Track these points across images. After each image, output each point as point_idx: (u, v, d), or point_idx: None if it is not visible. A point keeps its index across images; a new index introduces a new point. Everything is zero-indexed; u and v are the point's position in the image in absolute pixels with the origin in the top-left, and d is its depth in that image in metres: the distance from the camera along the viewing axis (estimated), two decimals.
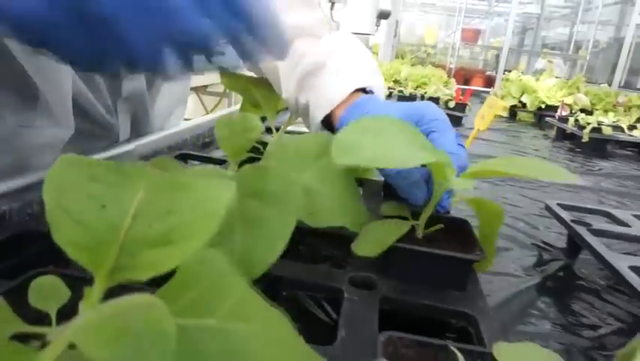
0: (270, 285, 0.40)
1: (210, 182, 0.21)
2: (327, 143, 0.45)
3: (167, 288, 0.22)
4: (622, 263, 0.50)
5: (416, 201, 0.44)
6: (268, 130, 0.68)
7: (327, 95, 0.53)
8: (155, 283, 0.23)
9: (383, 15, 1.64)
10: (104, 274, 0.18)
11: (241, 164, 0.47)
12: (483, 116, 0.56)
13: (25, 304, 0.25)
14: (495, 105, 0.53)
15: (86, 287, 0.17)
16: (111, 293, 0.19)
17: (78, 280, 0.26)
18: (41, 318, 0.24)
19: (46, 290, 0.25)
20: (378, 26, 1.68)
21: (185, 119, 0.98)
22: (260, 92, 0.65)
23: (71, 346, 0.18)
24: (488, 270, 0.58)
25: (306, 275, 0.41)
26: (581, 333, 0.47)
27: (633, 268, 0.49)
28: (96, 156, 0.62)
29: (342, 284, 0.39)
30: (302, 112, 0.59)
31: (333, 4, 1.54)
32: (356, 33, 1.60)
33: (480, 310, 0.38)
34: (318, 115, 0.54)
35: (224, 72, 0.66)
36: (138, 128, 0.76)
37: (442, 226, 0.42)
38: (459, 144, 0.46)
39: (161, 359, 0.15)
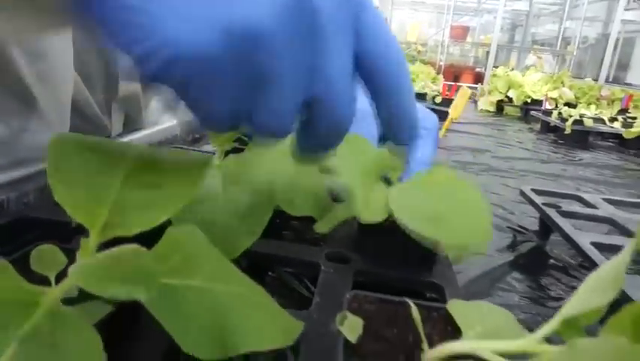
0: (254, 262, 0.43)
1: (190, 154, 0.24)
2: None
3: (153, 253, 0.25)
4: (584, 240, 0.53)
5: None
6: None
7: None
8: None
9: None
10: (97, 230, 0.21)
11: (228, 153, 0.50)
12: (456, 106, 0.60)
13: (24, 274, 0.28)
14: (465, 95, 0.57)
15: (82, 238, 0.20)
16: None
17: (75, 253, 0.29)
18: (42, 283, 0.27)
19: (46, 257, 0.28)
20: None
21: None
22: None
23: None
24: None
25: (287, 253, 0.44)
26: (546, 304, 0.51)
27: (594, 244, 0.52)
28: None
29: (320, 259, 0.42)
30: None
31: None
32: None
33: (447, 280, 0.41)
34: None
35: None
36: (131, 126, 0.78)
37: None
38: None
39: (146, 294, 0.18)
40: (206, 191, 0.35)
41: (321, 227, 0.43)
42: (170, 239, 0.27)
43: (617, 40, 4.84)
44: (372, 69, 0.24)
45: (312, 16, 0.20)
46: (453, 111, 0.59)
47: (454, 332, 0.29)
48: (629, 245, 0.24)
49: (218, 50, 0.19)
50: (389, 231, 0.43)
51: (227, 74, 0.20)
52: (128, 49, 0.19)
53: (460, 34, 6.95)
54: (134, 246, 0.20)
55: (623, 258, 0.24)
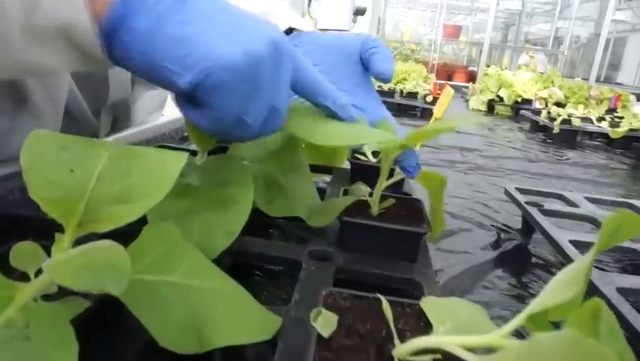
0: (238, 260, 0.44)
1: (164, 152, 0.25)
2: (291, 138, 0.49)
3: (130, 250, 0.26)
4: (563, 237, 0.54)
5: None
6: None
7: None
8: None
9: (359, 12, 1.68)
10: (73, 226, 0.21)
11: (212, 152, 0.51)
12: (440, 105, 0.61)
13: (8, 271, 0.28)
14: (449, 94, 0.58)
15: (57, 234, 0.21)
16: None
17: None
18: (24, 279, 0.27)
19: (25, 254, 0.28)
20: (355, 22, 1.72)
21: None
22: None
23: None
24: (447, 248, 0.62)
25: (271, 251, 0.44)
26: (526, 301, 0.52)
27: (572, 242, 0.53)
28: None
29: (302, 257, 0.43)
30: None
31: (310, 0, 1.58)
32: (332, 29, 1.64)
33: (425, 277, 0.42)
34: None
35: None
36: (119, 126, 0.79)
37: (392, 201, 0.46)
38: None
39: (115, 285, 0.19)
40: (186, 187, 0.36)
41: (315, 221, 0.44)
42: (147, 236, 0.27)
43: (609, 40, 4.87)
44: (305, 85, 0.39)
45: (279, 54, 0.33)
46: (437, 111, 0.60)
47: (426, 327, 0.29)
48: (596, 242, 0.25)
49: (239, 63, 0.30)
50: (369, 228, 0.44)
51: (241, 82, 0.30)
52: (170, 68, 0.29)
53: (453, 33, 6.98)
54: (107, 241, 0.20)
55: (589, 255, 0.25)
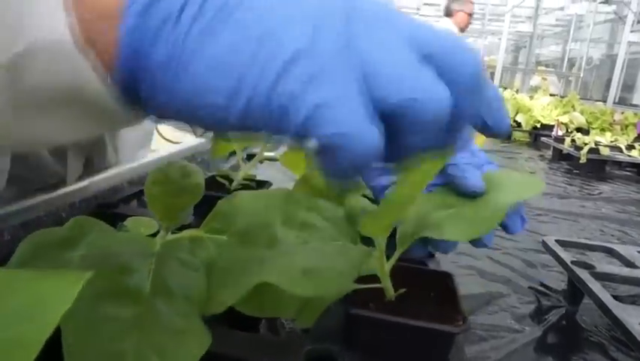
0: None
1: (40, 282, 0.14)
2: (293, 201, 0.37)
3: None
4: (633, 319, 0.43)
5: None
6: (249, 157, 0.62)
7: None
8: None
9: None
10: None
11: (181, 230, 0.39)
12: None
13: None
14: (480, 137, 0.47)
15: None
16: None
17: None
18: None
19: None
20: None
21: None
22: None
23: None
24: (478, 322, 0.51)
25: (254, 351, 0.33)
26: None
27: None
28: (39, 198, 0.56)
29: None
30: None
31: None
32: None
33: None
34: None
35: None
36: (93, 168, 0.69)
37: (404, 290, 0.34)
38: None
39: None
40: (128, 290, 0.25)
41: (303, 322, 0.33)
42: None
43: (624, 61, 4.76)
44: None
45: None
46: None
47: None
48: None
49: None
50: (389, 325, 0.33)
51: None
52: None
53: None
54: None
55: None
